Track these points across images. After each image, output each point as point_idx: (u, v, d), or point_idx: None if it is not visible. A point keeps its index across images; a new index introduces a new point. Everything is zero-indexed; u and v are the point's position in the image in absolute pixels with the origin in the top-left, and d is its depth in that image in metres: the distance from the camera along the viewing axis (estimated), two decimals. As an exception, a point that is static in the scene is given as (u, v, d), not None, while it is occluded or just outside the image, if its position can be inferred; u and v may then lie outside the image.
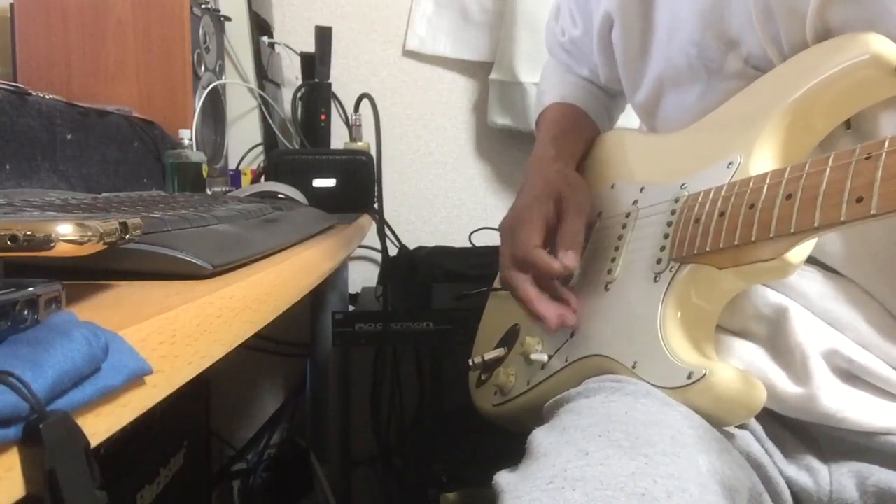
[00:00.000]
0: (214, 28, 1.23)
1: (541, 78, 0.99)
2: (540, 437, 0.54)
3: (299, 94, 1.48)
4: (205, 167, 1.03)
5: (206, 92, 1.16)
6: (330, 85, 1.48)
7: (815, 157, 0.51)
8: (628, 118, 0.91)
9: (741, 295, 0.61)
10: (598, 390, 0.59)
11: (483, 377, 0.85)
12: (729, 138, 0.62)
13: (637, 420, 0.53)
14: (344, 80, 1.60)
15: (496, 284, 0.92)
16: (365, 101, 1.39)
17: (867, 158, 0.47)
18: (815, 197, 0.49)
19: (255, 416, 1.63)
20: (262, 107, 1.44)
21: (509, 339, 0.82)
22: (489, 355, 0.82)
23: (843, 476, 0.58)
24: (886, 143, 0.46)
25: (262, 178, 1.32)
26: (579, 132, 0.86)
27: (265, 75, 1.46)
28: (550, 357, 0.72)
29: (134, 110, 1.03)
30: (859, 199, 0.46)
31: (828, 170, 0.49)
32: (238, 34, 1.41)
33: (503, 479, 0.51)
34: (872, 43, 0.54)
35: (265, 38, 1.49)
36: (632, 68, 0.76)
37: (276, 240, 0.60)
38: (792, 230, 0.51)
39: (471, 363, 0.85)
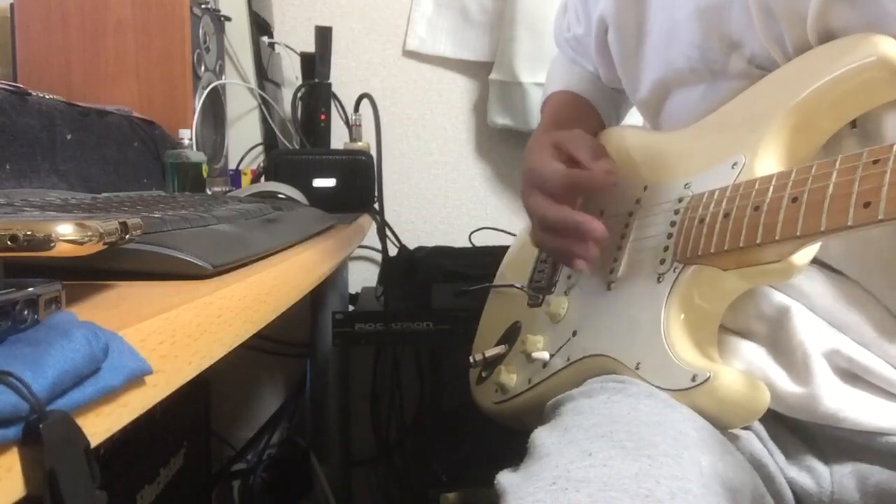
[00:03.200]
0: (214, 28, 1.23)
1: (548, 70, 0.99)
2: (542, 437, 0.54)
3: (299, 94, 1.48)
4: (205, 167, 1.03)
5: (206, 92, 1.16)
6: (330, 85, 1.48)
7: (820, 160, 0.51)
8: (631, 117, 0.91)
9: (743, 295, 0.61)
10: (600, 391, 0.59)
11: (484, 374, 0.84)
12: (733, 138, 0.62)
13: (640, 421, 0.52)
14: (344, 80, 1.60)
15: (497, 280, 0.92)
16: (365, 101, 1.39)
17: (875, 163, 0.47)
18: (821, 201, 0.49)
19: (255, 416, 1.63)
20: (262, 107, 1.44)
21: (510, 336, 0.82)
22: (490, 352, 0.82)
23: (845, 477, 0.58)
24: (894, 148, 0.46)
25: (262, 178, 1.32)
26: (578, 119, 0.85)
27: (265, 75, 1.46)
28: (552, 356, 0.72)
29: (134, 110, 1.02)
30: (867, 205, 0.46)
31: (834, 173, 0.49)
32: (238, 34, 1.41)
33: (506, 479, 0.51)
34: (880, 44, 0.54)
35: (265, 38, 1.49)
36: (629, 70, 0.76)
37: (276, 240, 0.60)
38: (798, 233, 0.51)
39: (471, 360, 0.85)
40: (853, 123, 0.58)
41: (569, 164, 0.71)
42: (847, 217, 0.47)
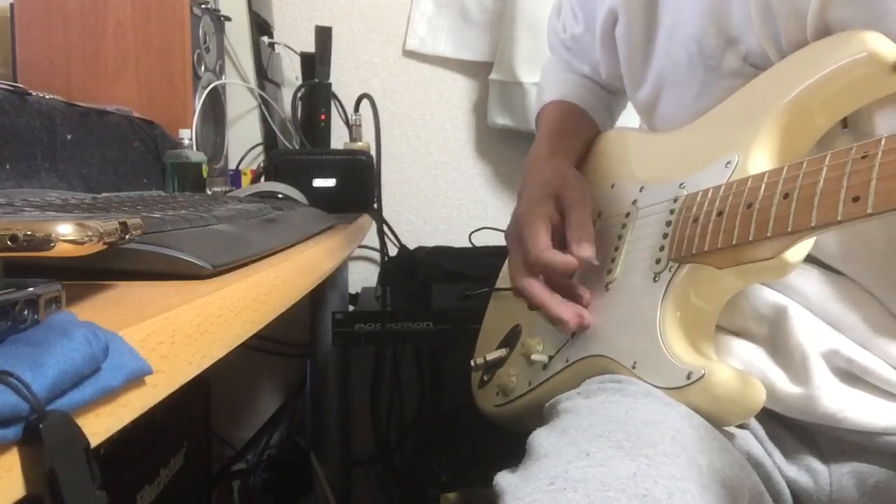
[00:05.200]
0: (214, 28, 1.23)
1: (541, 75, 0.99)
2: (540, 438, 0.54)
3: (299, 94, 1.48)
4: (205, 167, 1.03)
5: (206, 92, 1.16)
6: (330, 85, 1.48)
7: (811, 157, 0.51)
8: (628, 118, 0.91)
9: (740, 295, 0.61)
10: (598, 391, 0.59)
11: (485, 378, 0.85)
12: (727, 137, 0.62)
13: (637, 420, 0.53)
14: (344, 80, 1.60)
15: (498, 285, 0.92)
16: (365, 101, 1.40)
17: (863, 157, 0.47)
18: (811, 196, 0.49)
19: (255, 416, 1.63)
20: (262, 107, 1.44)
21: (511, 339, 0.82)
22: (491, 356, 0.82)
23: (844, 477, 0.58)
24: (882, 143, 0.46)
25: (262, 178, 1.32)
26: (577, 131, 0.86)
27: (265, 75, 1.46)
28: (551, 357, 0.72)
29: (134, 110, 1.03)
30: (856, 199, 0.46)
31: (824, 169, 0.49)
32: (238, 34, 1.41)
33: (504, 479, 0.51)
34: (869, 41, 0.54)
35: (265, 38, 1.49)
36: (634, 64, 0.76)
37: (276, 240, 0.60)
38: (789, 230, 0.51)
39: (473, 364, 0.85)
40: (844, 123, 0.58)
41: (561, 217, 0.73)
42: (837, 212, 0.47)
